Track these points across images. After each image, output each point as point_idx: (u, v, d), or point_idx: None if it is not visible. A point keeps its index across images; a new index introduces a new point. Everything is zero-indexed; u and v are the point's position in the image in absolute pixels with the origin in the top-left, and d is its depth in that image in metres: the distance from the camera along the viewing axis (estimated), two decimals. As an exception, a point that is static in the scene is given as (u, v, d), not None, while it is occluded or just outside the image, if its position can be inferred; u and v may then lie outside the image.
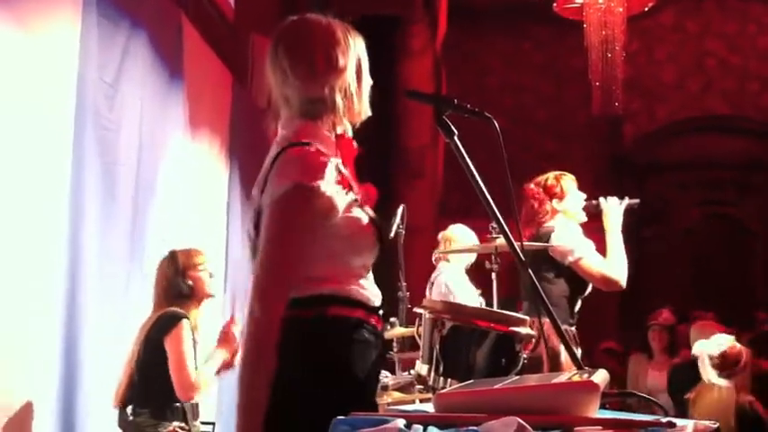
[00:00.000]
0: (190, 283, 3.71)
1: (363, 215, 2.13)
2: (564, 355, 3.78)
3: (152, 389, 3.60)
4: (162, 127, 4.52)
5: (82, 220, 3.62)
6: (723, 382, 4.87)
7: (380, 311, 2.18)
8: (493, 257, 4.03)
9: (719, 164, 11.27)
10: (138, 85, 4.22)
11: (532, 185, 4.38)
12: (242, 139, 5.95)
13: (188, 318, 3.63)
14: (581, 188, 4.40)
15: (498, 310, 2.82)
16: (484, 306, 4.64)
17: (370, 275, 2.19)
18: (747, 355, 4.95)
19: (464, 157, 2.16)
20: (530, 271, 2.17)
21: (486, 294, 4.68)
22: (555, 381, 1.61)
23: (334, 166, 2.08)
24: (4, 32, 3.23)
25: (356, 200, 2.13)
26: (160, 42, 4.53)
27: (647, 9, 10.16)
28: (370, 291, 2.15)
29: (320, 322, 2.07)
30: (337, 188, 2.06)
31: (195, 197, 5.06)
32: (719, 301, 9.89)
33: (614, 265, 4.13)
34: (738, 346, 4.97)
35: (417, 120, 10.68)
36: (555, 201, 4.30)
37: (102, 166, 3.84)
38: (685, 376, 5.45)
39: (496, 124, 2.19)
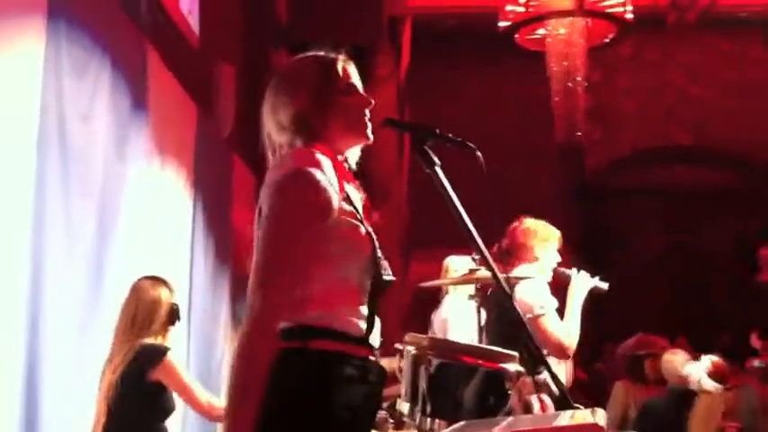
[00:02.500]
0: (159, 312, 3.64)
1: (360, 225, 2.07)
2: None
3: (133, 420, 3.54)
4: (125, 157, 4.43)
5: (43, 250, 3.52)
6: (718, 388, 5.56)
7: (372, 340, 2.09)
8: (475, 289, 3.95)
9: (681, 193, 11.41)
10: (103, 114, 4.14)
11: (521, 225, 4.32)
12: (206, 169, 5.87)
13: (169, 349, 3.60)
14: (544, 216, 4.36)
15: (486, 346, 2.75)
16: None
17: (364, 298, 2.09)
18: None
19: (445, 188, 2.11)
20: (515, 305, 2.12)
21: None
22: (557, 424, 1.55)
23: (331, 169, 2.05)
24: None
25: (354, 211, 2.08)
26: (125, 70, 4.46)
27: (607, 40, 10.31)
28: (361, 316, 2.06)
29: (300, 356, 1.99)
30: (335, 188, 2.02)
31: (159, 227, 4.97)
32: (683, 327, 9.96)
33: (570, 334, 4.09)
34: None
35: (381, 146, 10.65)
36: (538, 248, 4.23)
37: (66, 197, 3.75)
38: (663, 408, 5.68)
39: (479, 154, 2.16)
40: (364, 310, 2.06)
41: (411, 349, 2.28)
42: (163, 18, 5.24)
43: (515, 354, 2.36)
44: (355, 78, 2.20)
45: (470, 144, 2.19)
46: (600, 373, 9.80)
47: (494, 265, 2.17)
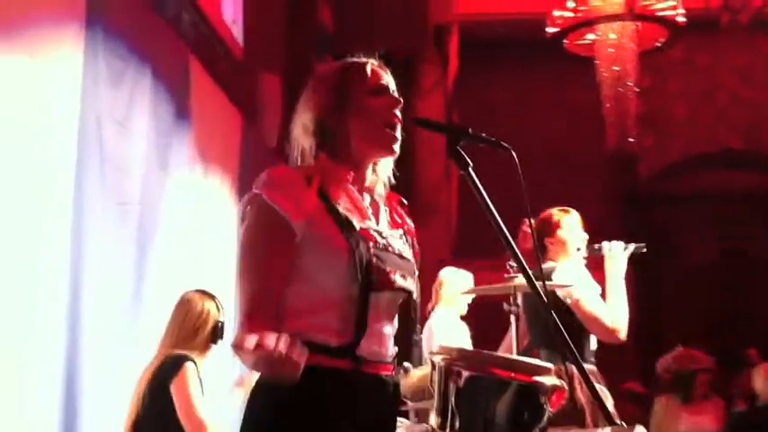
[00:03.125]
0: (205, 328, 3.57)
1: (337, 234, 1.95)
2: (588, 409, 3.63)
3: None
4: (167, 165, 4.44)
5: (84, 258, 3.52)
6: None
7: (367, 352, 1.96)
8: (512, 298, 3.82)
9: (733, 198, 11.13)
10: (144, 123, 4.14)
11: (525, 225, 4.19)
12: (253, 177, 5.84)
13: (193, 360, 3.50)
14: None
15: (520, 358, 2.59)
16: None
17: (374, 314, 1.97)
18: None
19: (479, 190, 2.04)
20: (553, 313, 2.02)
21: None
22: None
23: (305, 185, 1.97)
24: (6, 73, 3.16)
25: (336, 221, 1.97)
26: (166, 80, 4.47)
27: (658, 44, 10.12)
28: (339, 327, 1.93)
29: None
30: (301, 201, 1.95)
31: (202, 234, 4.96)
32: (734, 334, 9.70)
33: (614, 314, 3.88)
34: None
35: (429, 155, 10.61)
36: (549, 239, 4.11)
37: (107, 204, 3.75)
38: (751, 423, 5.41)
39: (515, 154, 2.08)
40: (342, 321, 1.93)
41: (439, 360, 2.17)
42: (205, 29, 5.25)
43: (551, 366, 2.23)
44: (387, 81, 2.11)
45: (504, 144, 2.11)
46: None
47: (529, 270, 2.07)
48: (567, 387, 2.20)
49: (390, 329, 2.06)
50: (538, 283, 2.07)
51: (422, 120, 2.11)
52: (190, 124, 4.82)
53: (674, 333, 8.93)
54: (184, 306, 3.59)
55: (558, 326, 2.03)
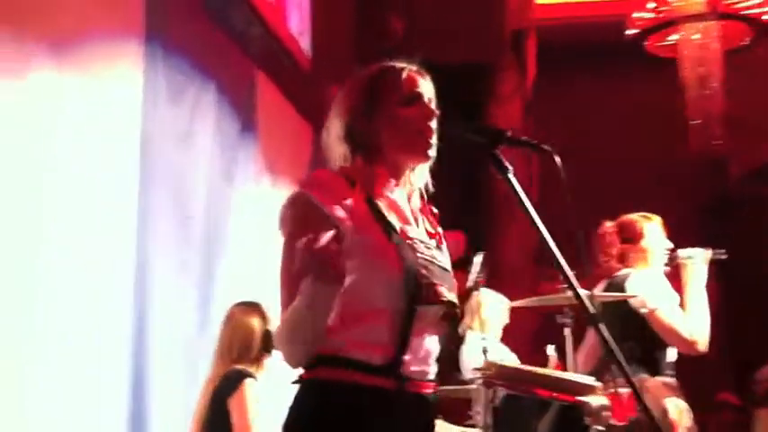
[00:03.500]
0: (254, 341, 3.55)
1: (385, 240, 1.86)
2: (673, 411, 3.49)
3: None
4: (233, 179, 4.45)
5: (149, 275, 3.55)
6: None
7: (408, 370, 1.86)
8: (566, 310, 3.68)
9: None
10: (206, 138, 4.17)
11: (610, 224, 4.03)
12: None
13: (252, 375, 3.48)
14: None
15: (564, 376, 2.43)
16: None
17: (419, 328, 1.87)
18: None
19: (520, 196, 1.95)
20: (601, 325, 1.90)
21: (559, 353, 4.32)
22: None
23: (348, 187, 1.91)
24: (66, 92, 3.21)
25: (391, 230, 1.88)
26: (231, 94, 4.49)
27: (744, 43, 9.80)
28: (381, 343, 1.84)
29: (304, 388, 1.86)
30: (348, 204, 1.88)
31: (272, 248, 4.96)
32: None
33: (692, 324, 3.71)
34: None
35: (509, 160, 10.45)
36: (630, 246, 3.95)
37: (170, 220, 3.77)
38: None
39: (557, 158, 1.98)
40: (384, 336, 1.84)
41: (479, 379, 2.06)
42: (272, 41, 5.26)
43: (597, 384, 2.10)
44: (424, 89, 2.01)
45: (546, 147, 2.02)
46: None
47: (574, 281, 1.95)
48: (638, 399, 2.08)
49: (435, 345, 1.96)
50: (584, 294, 1.96)
51: (456, 125, 2.04)
52: (256, 138, 4.83)
53: (765, 344, 8.58)
54: (229, 323, 3.58)
55: (605, 337, 1.92)
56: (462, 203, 9.83)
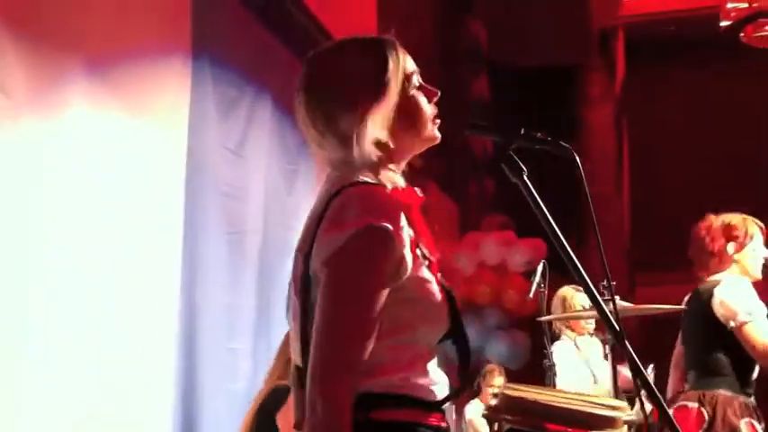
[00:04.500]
0: None
1: (432, 278, 1.72)
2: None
3: None
4: (294, 191, 4.37)
5: (197, 288, 3.50)
6: None
7: (445, 404, 1.75)
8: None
9: None
10: (261, 150, 4.10)
11: (709, 222, 3.73)
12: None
13: None
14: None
15: (583, 407, 2.07)
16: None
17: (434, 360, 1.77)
18: None
19: (536, 200, 1.78)
20: (627, 344, 1.70)
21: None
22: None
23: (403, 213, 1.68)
24: (113, 108, 3.19)
25: (426, 261, 1.73)
26: (290, 105, 4.41)
27: None
28: (433, 380, 1.73)
29: (363, 429, 1.66)
30: (412, 238, 1.68)
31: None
32: None
33: None
34: None
35: (599, 167, 10.18)
36: (732, 246, 3.65)
37: (220, 233, 3.72)
38: None
39: (577, 157, 1.81)
40: (437, 372, 1.73)
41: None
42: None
43: (618, 415, 1.88)
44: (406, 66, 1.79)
45: (564, 144, 1.84)
46: None
47: (597, 295, 1.76)
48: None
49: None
50: (609, 306, 1.77)
51: (470, 124, 1.88)
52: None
53: None
54: (287, 337, 3.49)
55: (630, 353, 1.72)
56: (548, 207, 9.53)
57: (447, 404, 1.75)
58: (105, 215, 3.11)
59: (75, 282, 2.92)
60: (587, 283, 1.75)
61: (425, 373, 1.71)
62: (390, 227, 1.61)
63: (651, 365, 4.92)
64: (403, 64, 1.78)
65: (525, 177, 1.79)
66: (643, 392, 1.80)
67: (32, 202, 2.71)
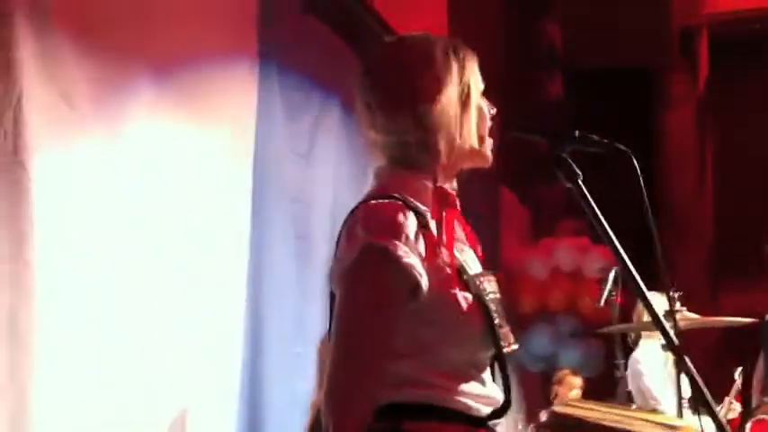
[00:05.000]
0: None
1: (465, 294, 1.62)
2: None
3: None
4: (359, 198, 4.35)
5: (264, 294, 3.51)
6: None
7: (496, 420, 1.65)
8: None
9: None
10: (329, 154, 4.10)
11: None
12: (461, 202, 5.66)
13: None
14: None
15: (641, 423, 1.97)
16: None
17: (486, 375, 1.68)
18: None
19: (591, 207, 1.71)
20: (686, 360, 1.62)
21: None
22: None
23: (418, 225, 1.60)
24: (180, 114, 3.22)
25: (460, 274, 1.63)
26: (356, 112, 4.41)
27: None
28: (477, 395, 1.63)
29: None
30: (421, 255, 1.59)
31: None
32: None
33: None
34: None
35: (681, 171, 9.93)
36: None
37: (288, 238, 3.73)
38: None
39: (634, 160, 1.74)
40: (478, 387, 1.64)
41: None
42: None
43: None
44: (472, 75, 1.72)
45: (621, 146, 1.77)
46: None
47: (651, 304, 1.68)
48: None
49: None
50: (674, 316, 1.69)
51: (520, 126, 1.82)
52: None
53: None
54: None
55: (690, 370, 1.63)
56: (631, 217, 9.32)
57: (498, 421, 1.69)
58: (173, 223, 3.14)
59: (142, 290, 2.95)
60: (644, 295, 1.68)
61: (463, 389, 1.62)
62: (390, 244, 1.55)
63: (739, 369, 4.77)
64: (464, 71, 1.71)
65: (580, 182, 1.74)
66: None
67: (99, 212, 2.74)
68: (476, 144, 1.73)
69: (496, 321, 1.63)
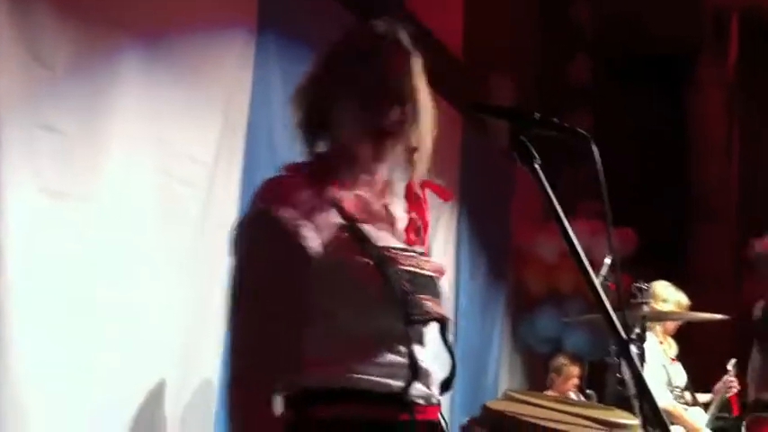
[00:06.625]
0: None
1: (364, 260, 1.61)
2: None
3: None
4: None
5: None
6: None
7: (419, 396, 1.64)
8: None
9: None
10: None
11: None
12: (473, 181, 5.61)
13: None
14: None
15: (576, 424, 1.82)
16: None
17: (417, 348, 1.66)
18: None
19: (546, 191, 1.67)
20: (631, 353, 1.54)
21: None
22: None
23: (319, 197, 1.65)
24: (174, 82, 3.19)
25: (361, 242, 1.64)
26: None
27: None
28: (383, 371, 1.61)
29: (302, 428, 1.58)
30: (317, 218, 1.62)
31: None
32: None
33: None
34: None
35: (709, 156, 9.78)
36: None
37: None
38: None
39: (594, 147, 1.69)
40: (392, 359, 1.62)
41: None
42: (417, 31, 5.07)
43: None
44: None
45: (582, 131, 1.72)
46: None
47: (603, 297, 1.60)
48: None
49: (434, 366, 1.72)
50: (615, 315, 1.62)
51: (476, 104, 1.79)
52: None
53: None
54: None
55: (635, 364, 1.56)
56: (658, 200, 9.21)
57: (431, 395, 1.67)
58: (162, 194, 3.11)
59: (127, 261, 2.94)
60: (593, 284, 1.62)
61: (372, 362, 1.61)
62: (270, 206, 1.61)
63: (733, 361, 4.69)
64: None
65: (536, 166, 1.69)
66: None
67: (75, 177, 2.71)
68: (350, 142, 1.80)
69: (407, 289, 1.62)
